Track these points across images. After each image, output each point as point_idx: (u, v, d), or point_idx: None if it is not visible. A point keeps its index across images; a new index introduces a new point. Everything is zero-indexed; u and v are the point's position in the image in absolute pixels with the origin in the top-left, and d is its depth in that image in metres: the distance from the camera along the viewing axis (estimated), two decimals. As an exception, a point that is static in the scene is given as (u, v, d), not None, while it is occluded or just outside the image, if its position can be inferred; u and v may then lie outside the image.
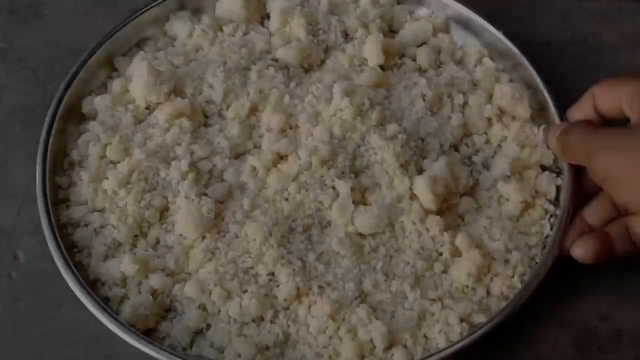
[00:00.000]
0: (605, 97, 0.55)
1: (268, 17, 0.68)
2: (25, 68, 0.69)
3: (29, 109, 0.67)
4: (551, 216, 0.58)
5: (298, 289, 0.53)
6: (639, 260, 0.59)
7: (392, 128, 0.58)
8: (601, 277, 0.58)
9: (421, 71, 0.65)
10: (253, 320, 0.53)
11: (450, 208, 0.58)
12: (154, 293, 0.54)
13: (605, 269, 0.58)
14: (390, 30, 0.68)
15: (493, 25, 0.65)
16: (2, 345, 0.56)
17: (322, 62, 0.65)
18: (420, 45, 0.66)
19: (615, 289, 0.58)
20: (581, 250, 0.54)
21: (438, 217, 0.56)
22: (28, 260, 0.59)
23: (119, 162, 0.59)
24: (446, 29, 0.68)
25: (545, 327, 0.56)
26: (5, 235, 0.60)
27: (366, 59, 0.64)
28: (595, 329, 0.56)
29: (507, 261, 0.55)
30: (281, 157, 0.59)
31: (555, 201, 0.58)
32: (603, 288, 0.58)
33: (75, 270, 0.54)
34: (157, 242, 0.57)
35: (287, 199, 0.57)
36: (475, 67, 0.65)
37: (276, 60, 0.64)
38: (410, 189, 0.57)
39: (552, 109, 0.60)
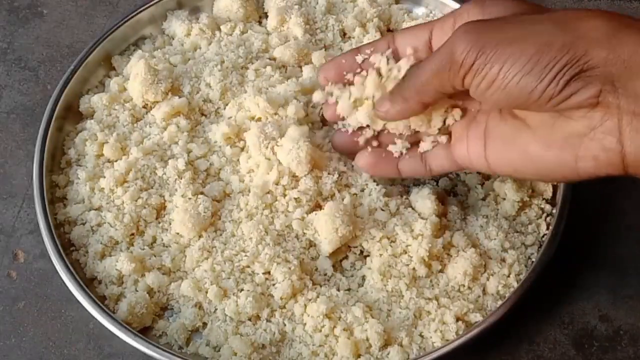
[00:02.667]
0: (407, 37, 0.51)
1: (266, 16, 0.68)
2: (25, 68, 0.70)
3: (29, 108, 0.68)
4: (547, 215, 0.58)
5: (294, 287, 0.53)
6: (638, 261, 0.58)
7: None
8: (601, 277, 0.58)
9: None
10: (249, 319, 0.53)
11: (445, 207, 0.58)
12: (150, 291, 0.54)
13: (605, 269, 0.58)
14: (388, 30, 0.68)
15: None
16: (2, 345, 0.56)
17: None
18: (418, 44, 0.66)
19: (615, 289, 0.58)
20: (362, 162, 0.54)
21: (434, 216, 0.56)
22: (28, 260, 0.60)
23: (116, 161, 0.59)
24: (444, 28, 0.68)
25: (545, 327, 0.56)
26: (5, 235, 0.61)
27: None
28: (595, 329, 0.56)
29: (503, 260, 0.55)
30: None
31: (552, 200, 0.58)
32: (603, 288, 0.58)
33: (72, 269, 0.54)
34: (154, 240, 0.57)
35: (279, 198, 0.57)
36: (473, 65, 0.65)
37: (273, 59, 0.64)
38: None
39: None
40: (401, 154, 0.54)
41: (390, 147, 0.54)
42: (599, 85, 0.41)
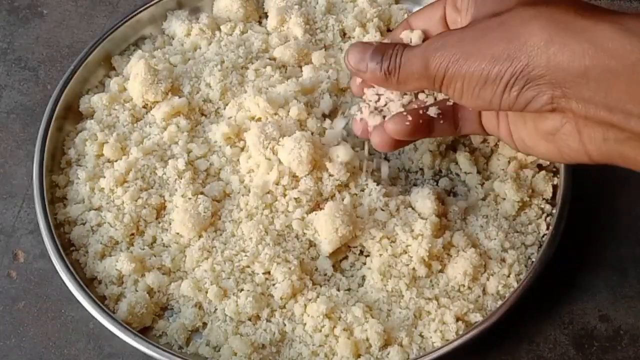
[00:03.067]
0: (421, 18, 0.51)
1: (266, 16, 0.68)
2: (25, 68, 0.70)
3: (29, 108, 0.67)
4: (547, 215, 0.58)
5: (294, 287, 0.53)
6: (638, 261, 0.58)
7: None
8: (601, 277, 0.58)
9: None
10: (249, 319, 0.53)
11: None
12: (150, 291, 0.55)
13: (605, 269, 0.58)
14: (388, 30, 0.68)
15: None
16: (2, 345, 0.56)
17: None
18: (418, 45, 0.66)
19: (615, 289, 0.58)
20: (393, 126, 0.50)
21: (434, 216, 0.56)
22: (28, 260, 0.60)
23: (116, 161, 0.59)
24: (444, 28, 0.68)
25: (545, 327, 0.56)
26: (5, 235, 0.61)
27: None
28: (595, 329, 0.56)
29: (503, 260, 0.55)
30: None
31: (552, 200, 0.58)
32: (603, 288, 0.58)
33: (72, 269, 0.54)
34: (154, 240, 0.57)
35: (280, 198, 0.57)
36: (473, 66, 0.65)
37: (273, 59, 0.64)
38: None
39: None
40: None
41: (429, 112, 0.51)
42: (550, 92, 0.41)
